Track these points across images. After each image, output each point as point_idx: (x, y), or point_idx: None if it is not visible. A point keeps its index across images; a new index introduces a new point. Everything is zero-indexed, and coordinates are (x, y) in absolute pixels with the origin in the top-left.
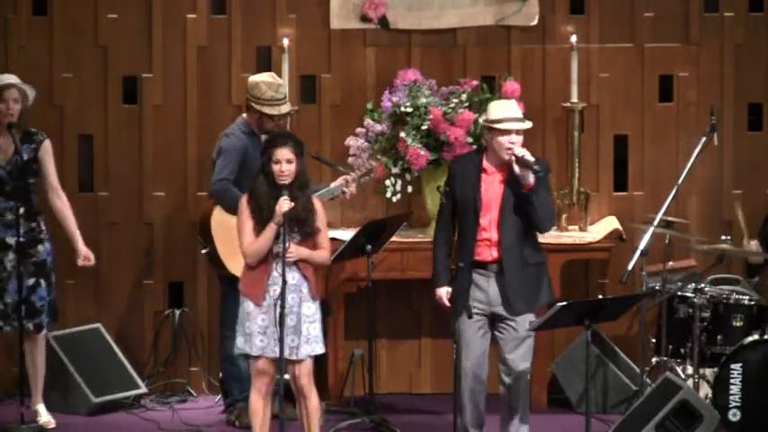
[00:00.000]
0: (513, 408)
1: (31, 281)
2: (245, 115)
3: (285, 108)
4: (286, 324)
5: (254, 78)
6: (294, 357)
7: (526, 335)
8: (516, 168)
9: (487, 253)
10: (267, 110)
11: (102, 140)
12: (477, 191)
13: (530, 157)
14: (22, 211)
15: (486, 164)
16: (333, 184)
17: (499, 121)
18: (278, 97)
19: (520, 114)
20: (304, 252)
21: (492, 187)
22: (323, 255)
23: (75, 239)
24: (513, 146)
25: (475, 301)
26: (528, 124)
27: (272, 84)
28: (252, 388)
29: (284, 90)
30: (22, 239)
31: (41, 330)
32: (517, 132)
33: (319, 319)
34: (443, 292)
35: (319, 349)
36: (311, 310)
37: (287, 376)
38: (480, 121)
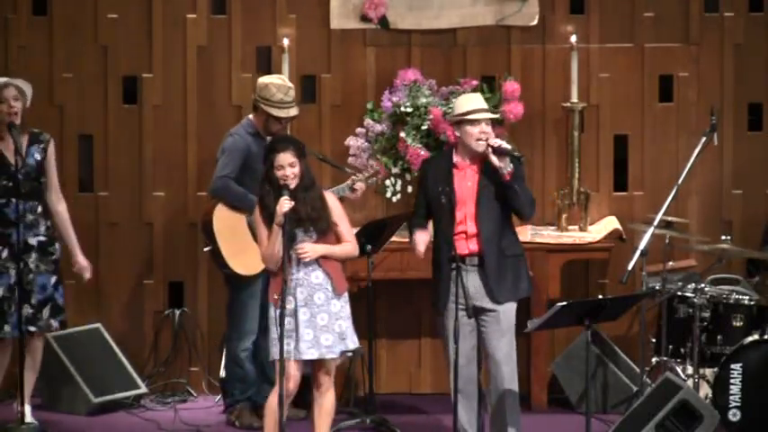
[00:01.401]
0: (502, 405)
1: (53, 279)
2: (251, 116)
3: (293, 111)
4: (317, 324)
5: (263, 80)
6: (331, 356)
7: (510, 326)
8: (494, 159)
9: (464, 246)
10: (275, 112)
11: (102, 140)
12: (450, 186)
13: (506, 146)
14: (39, 210)
15: (456, 159)
16: (337, 187)
17: (468, 113)
18: (286, 100)
19: (486, 105)
20: (322, 249)
21: (464, 182)
22: (347, 247)
23: (74, 248)
24: (487, 136)
25: (458, 296)
26: (495, 114)
27: (282, 86)
28: (273, 391)
29: (293, 93)
30: (42, 239)
31: (65, 327)
32: (486, 122)
33: (347, 314)
34: (419, 237)
35: (352, 344)
36: (337, 306)
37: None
38: (447, 117)
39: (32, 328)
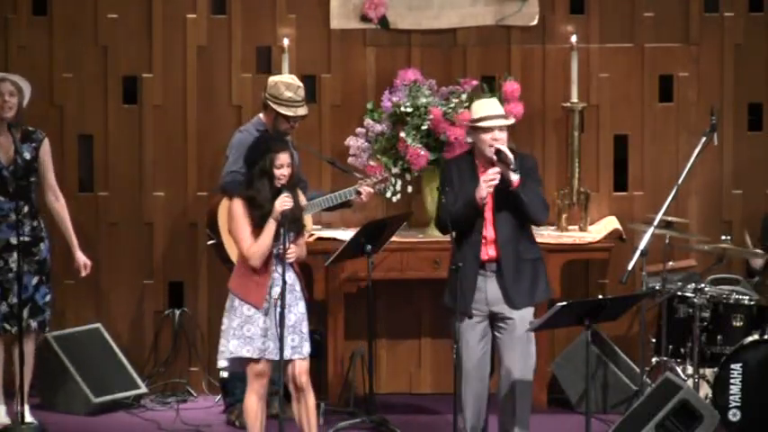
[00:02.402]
0: (513, 411)
1: (35, 280)
2: (261, 115)
3: (302, 111)
4: (286, 324)
5: (273, 78)
6: (297, 356)
7: (525, 335)
8: (498, 167)
9: (484, 252)
10: (283, 110)
11: (102, 140)
12: (475, 189)
13: (509, 154)
14: (25, 210)
15: (477, 162)
16: (344, 191)
17: (481, 120)
18: (295, 99)
19: (502, 111)
20: (299, 250)
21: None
22: (303, 250)
23: (72, 245)
24: (496, 143)
25: (474, 302)
26: (510, 120)
27: (291, 85)
28: (249, 390)
29: (302, 93)
30: (26, 239)
31: (45, 329)
32: (500, 129)
33: (306, 318)
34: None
35: (307, 350)
36: (302, 308)
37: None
38: (465, 123)
39: (12, 328)
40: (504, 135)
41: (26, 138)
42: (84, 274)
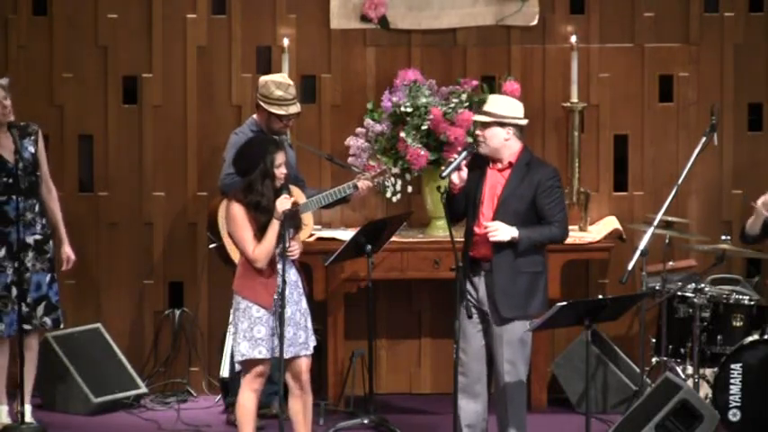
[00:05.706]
0: (506, 412)
1: (48, 277)
2: (255, 116)
3: (294, 109)
4: (296, 321)
5: (264, 78)
6: (305, 352)
7: (517, 340)
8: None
9: (475, 249)
10: (275, 109)
11: (103, 140)
12: (479, 185)
13: (463, 156)
14: (36, 208)
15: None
16: (342, 186)
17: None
18: (286, 97)
19: (491, 109)
20: (301, 247)
21: (494, 183)
22: (301, 245)
23: (62, 239)
24: (480, 138)
25: (470, 296)
26: (484, 118)
27: (282, 84)
28: (247, 389)
29: (294, 91)
30: (38, 237)
31: (59, 326)
32: (481, 125)
33: (309, 312)
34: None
35: (313, 342)
36: (304, 303)
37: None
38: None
39: (27, 327)
40: (483, 132)
41: (24, 133)
42: (65, 267)
